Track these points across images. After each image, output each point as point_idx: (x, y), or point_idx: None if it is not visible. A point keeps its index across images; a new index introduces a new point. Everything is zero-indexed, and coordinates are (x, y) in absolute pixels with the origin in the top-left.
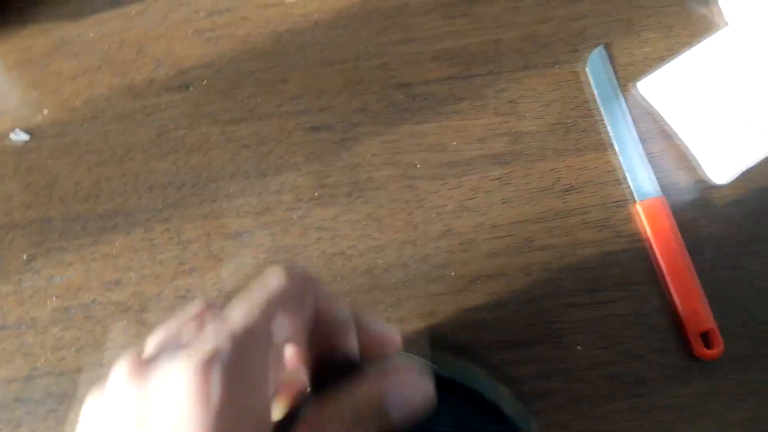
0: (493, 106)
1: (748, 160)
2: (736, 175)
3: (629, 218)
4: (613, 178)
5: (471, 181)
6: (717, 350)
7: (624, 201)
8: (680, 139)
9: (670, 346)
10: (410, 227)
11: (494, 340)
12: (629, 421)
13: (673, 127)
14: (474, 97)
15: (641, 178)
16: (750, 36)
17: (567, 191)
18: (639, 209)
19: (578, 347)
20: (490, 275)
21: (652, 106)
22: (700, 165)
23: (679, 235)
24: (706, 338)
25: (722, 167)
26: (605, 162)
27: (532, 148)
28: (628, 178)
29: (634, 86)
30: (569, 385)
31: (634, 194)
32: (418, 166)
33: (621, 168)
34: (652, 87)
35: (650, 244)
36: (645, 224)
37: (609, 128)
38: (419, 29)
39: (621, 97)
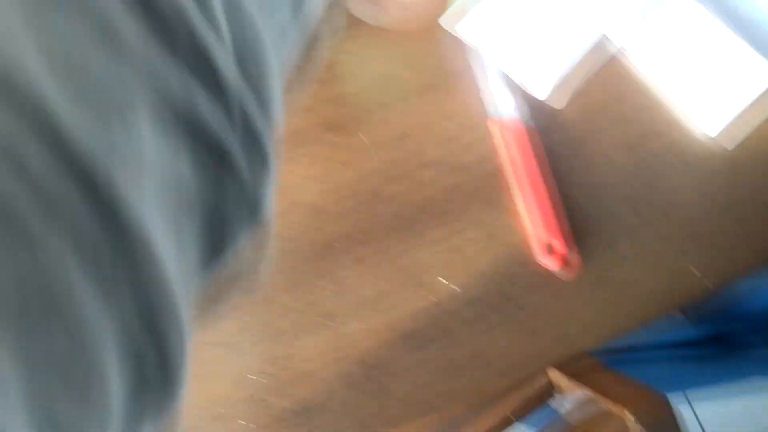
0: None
1: (568, 73)
2: (554, 87)
3: (469, 147)
4: (446, 114)
5: (308, 152)
6: (571, 253)
7: (457, 134)
8: (507, 66)
9: (528, 260)
10: None
11: (359, 296)
12: (508, 335)
13: (496, 58)
14: None
15: (493, 97)
16: None
17: (402, 139)
18: (492, 129)
19: (441, 279)
20: (346, 235)
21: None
22: (528, 86)
23: (530, 151)
24: (561, 244)
25: (546, 84)
26: (439, 100)
27: (361, 106)
28: (484, 96)
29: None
30: (440, 319)
31: (489, 112)
32: None
33: (457, 101)
34: (470, 27)
35: (498, 165)
36: (500, 143)
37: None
38: None
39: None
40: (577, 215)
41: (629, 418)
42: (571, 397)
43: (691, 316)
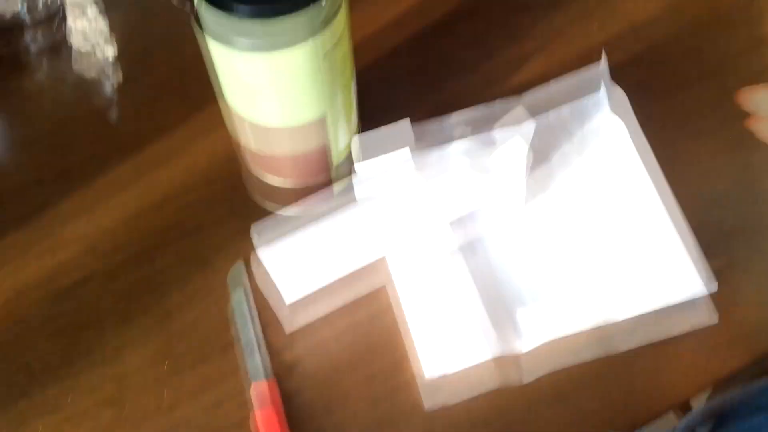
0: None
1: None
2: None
3: (229, 415)
4: (213, 382)
5: None
6: None
7: (221, 403)
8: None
9: None
10: None
11: None
12: None
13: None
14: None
15: (246, 366)
16: (377, 212)
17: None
18: (249, 398)
19: None
20: None
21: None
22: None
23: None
24: None
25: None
26: (208, 371)
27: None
28: (241, 364)
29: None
30: None
31: (245, 381)
32: None
33: (225, 370)
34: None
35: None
36: (252, 411)
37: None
38: None
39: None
40: None
41: None
42: None
43: None
